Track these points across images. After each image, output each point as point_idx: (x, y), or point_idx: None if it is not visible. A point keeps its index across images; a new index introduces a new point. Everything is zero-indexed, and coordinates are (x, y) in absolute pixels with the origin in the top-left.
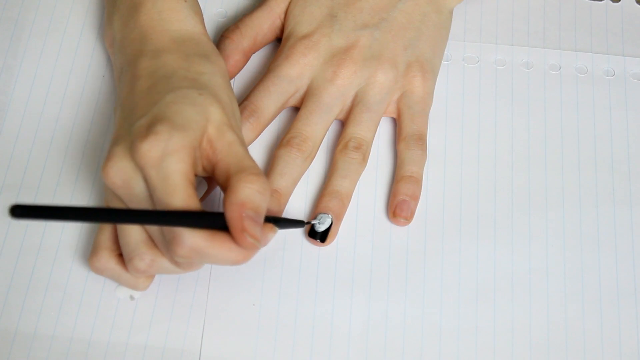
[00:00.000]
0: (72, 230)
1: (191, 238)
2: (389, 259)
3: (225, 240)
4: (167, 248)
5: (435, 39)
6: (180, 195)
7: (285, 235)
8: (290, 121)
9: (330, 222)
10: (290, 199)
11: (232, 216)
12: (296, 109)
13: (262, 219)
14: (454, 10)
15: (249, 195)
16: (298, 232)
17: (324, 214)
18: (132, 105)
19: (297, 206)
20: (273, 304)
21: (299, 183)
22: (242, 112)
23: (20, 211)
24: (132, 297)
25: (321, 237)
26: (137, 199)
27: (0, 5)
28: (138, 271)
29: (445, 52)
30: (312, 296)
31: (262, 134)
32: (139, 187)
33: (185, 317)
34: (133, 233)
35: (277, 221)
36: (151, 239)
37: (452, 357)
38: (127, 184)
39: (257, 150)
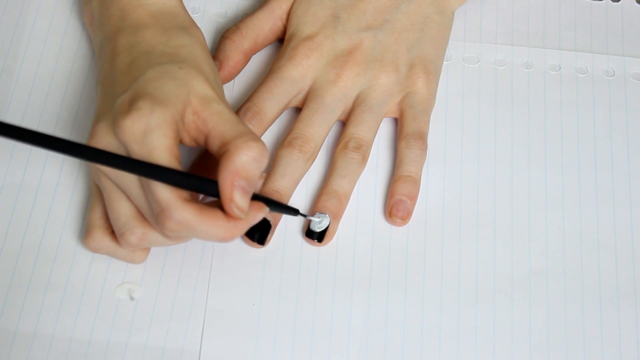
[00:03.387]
0: (72, 230)
1: (179, 211)
2: (388, 259)
3: (214, 216)
4: (155, 221)
5: (438, 41)
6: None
7: (285, 235)
8: (291, 122)
9: (328, 222)
10: (291, 199)
11: (224, 184)
12: (297, 110)
13: (252, 188)
14: None
15: (245, 164)
16: (298, 232)
17: (322, 213)
18: (112, 81)
19: (297, 206)
20: (273, 304)
21: (299, 184)
22: (244, 113)
23: None
24: (132, 297)
25: (318, 237)
26: (124, 175)
27: (1, 8)
28: (130, 245)
29: (445, 53)
30: (312, 296)
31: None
32: None
33: (185, 317)
34: (122, 208)
35: (269, 202)
36: (140, 213)
37: (452, 357)
38: None
39: None
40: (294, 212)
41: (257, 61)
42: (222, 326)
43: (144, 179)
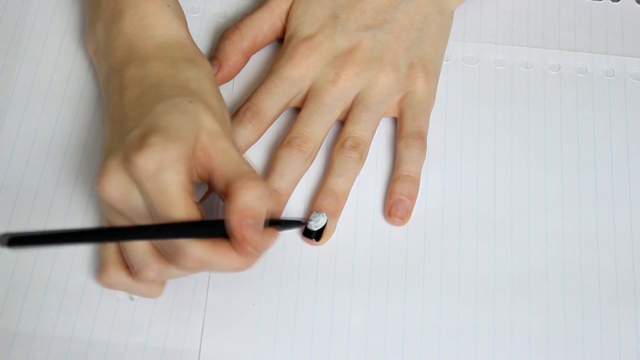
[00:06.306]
0: None
1: (194, 249)
2: (388, 259)
3: (228, 248)
4: (171, 259)
5: (438, 40)
6: (179, 207)
7: (285, 235)
8: (290, 122)
9: (325, 221)
10: (290, 199)
11: (233, 225)
12: (296, 110)
13: (262, 226)
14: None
15: (249, 203)
16: (297, 232)
17: (319, 212)
18: (121, 115)
19: (296, 206)
20: (272, 304)
21: (298, 183)
22: (244, 113)
23: (17, 241)
24: (131, 298)
25: (316, 236)
26: (137, 212)
27: (1, 7)
28: (148, 281)
29: (444, 52)
30: (312, 296)
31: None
32: (137, 200)
33: (185, 317)
34: (138, 245)
35: (277, 223)
36: (156, 248)
37: (452, 357)
38: (124, 197)
39: (257, 151)
40: (299, 224)
41: (256, 61)
42: (222, 326)
43: (156, 218)
